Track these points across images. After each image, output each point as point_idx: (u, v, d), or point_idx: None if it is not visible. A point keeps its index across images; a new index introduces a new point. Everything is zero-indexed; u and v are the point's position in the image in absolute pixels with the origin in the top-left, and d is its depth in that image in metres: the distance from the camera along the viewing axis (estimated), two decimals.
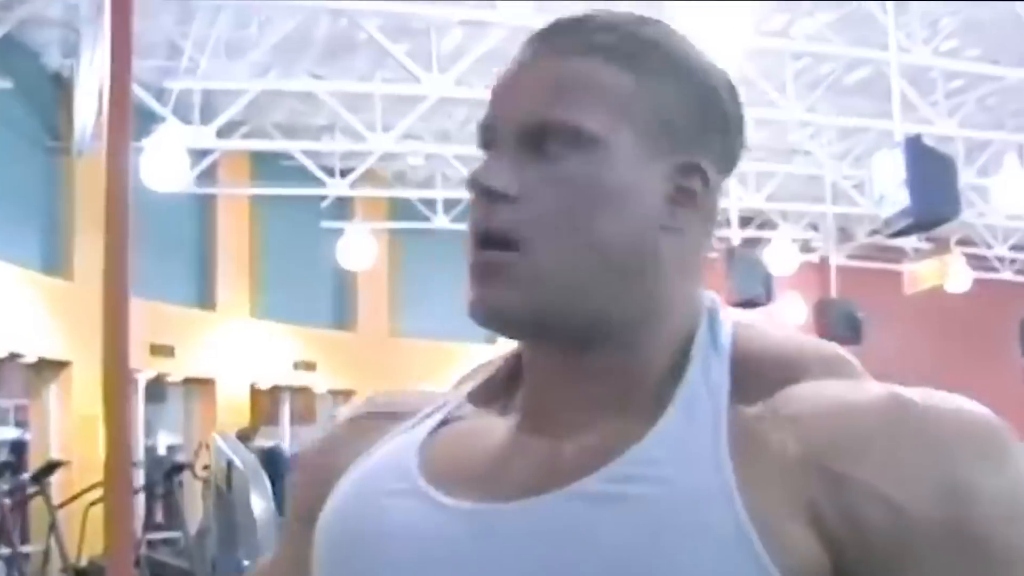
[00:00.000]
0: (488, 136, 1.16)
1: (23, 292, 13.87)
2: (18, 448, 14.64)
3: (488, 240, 1.12)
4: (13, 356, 13.92)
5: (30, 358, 14.28)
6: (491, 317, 1.12)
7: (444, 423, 1.22)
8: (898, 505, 0.99)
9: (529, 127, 1.13)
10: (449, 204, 19.09)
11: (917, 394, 1.05)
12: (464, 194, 1.25)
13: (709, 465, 1.03)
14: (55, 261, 14.75)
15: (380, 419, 1.27)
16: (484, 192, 1.12)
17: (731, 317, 1.17)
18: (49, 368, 14.63)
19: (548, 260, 1.10)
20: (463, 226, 1.17)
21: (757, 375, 1.10)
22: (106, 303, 5.80)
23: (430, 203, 19.43)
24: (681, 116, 1.15)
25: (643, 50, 1.15)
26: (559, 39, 1.16)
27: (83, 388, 13.49)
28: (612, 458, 1.05)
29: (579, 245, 1.10)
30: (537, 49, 1.17)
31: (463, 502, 1.10)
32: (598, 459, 1.06)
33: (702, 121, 1.16)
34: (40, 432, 14.75)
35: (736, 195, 16.16)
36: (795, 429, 1.04)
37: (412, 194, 19.72)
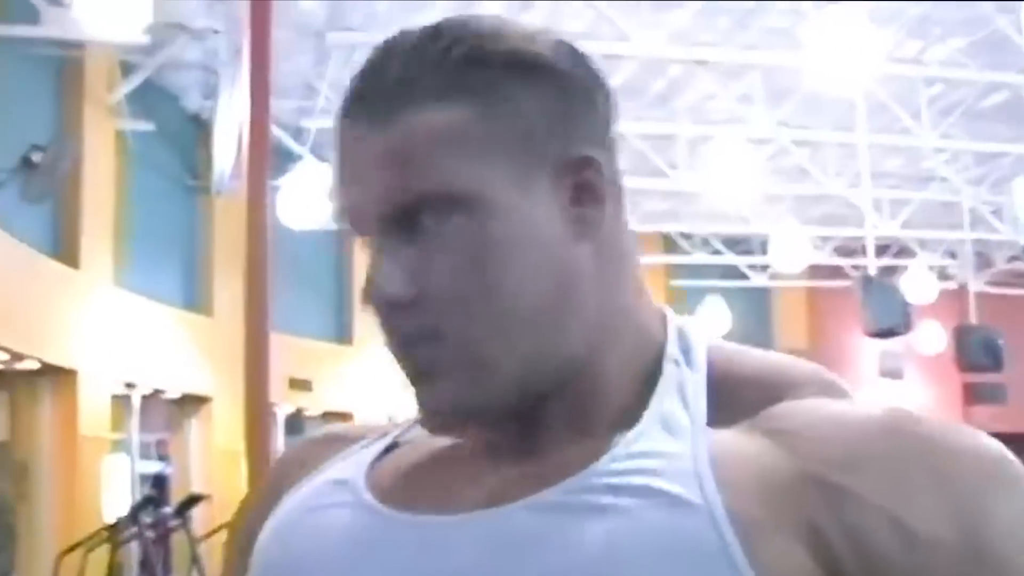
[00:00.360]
0: (357, 229, 1.06)
1: (166, 329, 14.11)
2: (160, 482, 14.87)
3: (408, 343, 1.04)
4: (156, 392, 14.18)
5: (173, 394, 14.54)
6: (443, 420, 1.05)
7: (395, 445, 1.16)
8: (908, 528, 0.93)
9: (389, 214, 1.02)
10: None
11: (921, 417, 0.99)
12: None
13: (688, 478, 0.95)
14: (196, 298, 15.01)
15: (332, 442, 1.21)
16: (385, 304, 1.05)
17: (704, 334, 1.09)
18: (190, 403, 14.87)
19: (473, 337, 1.01)
20: None
21: (740, 393, 1.03)
22: (247, 339, 5.91)
23: None
24: (541, 117, 1.02)
25: (468, 71, 1.01)
26: (373, 103, 1.02)
27: (223, 422, 13.70)
28: (576, 472, 0.98)
29: (498, 308, 1.00)
30: (358, 122, 1.03)
31: (410, 514, 1.03)
32: (561, 474, 0.98)
33: (565, 108, 1.04)
34: (181, 466, 14.99)
35: (872, 223, 15.96)
36: (788, 444, 0.97)
37: None
